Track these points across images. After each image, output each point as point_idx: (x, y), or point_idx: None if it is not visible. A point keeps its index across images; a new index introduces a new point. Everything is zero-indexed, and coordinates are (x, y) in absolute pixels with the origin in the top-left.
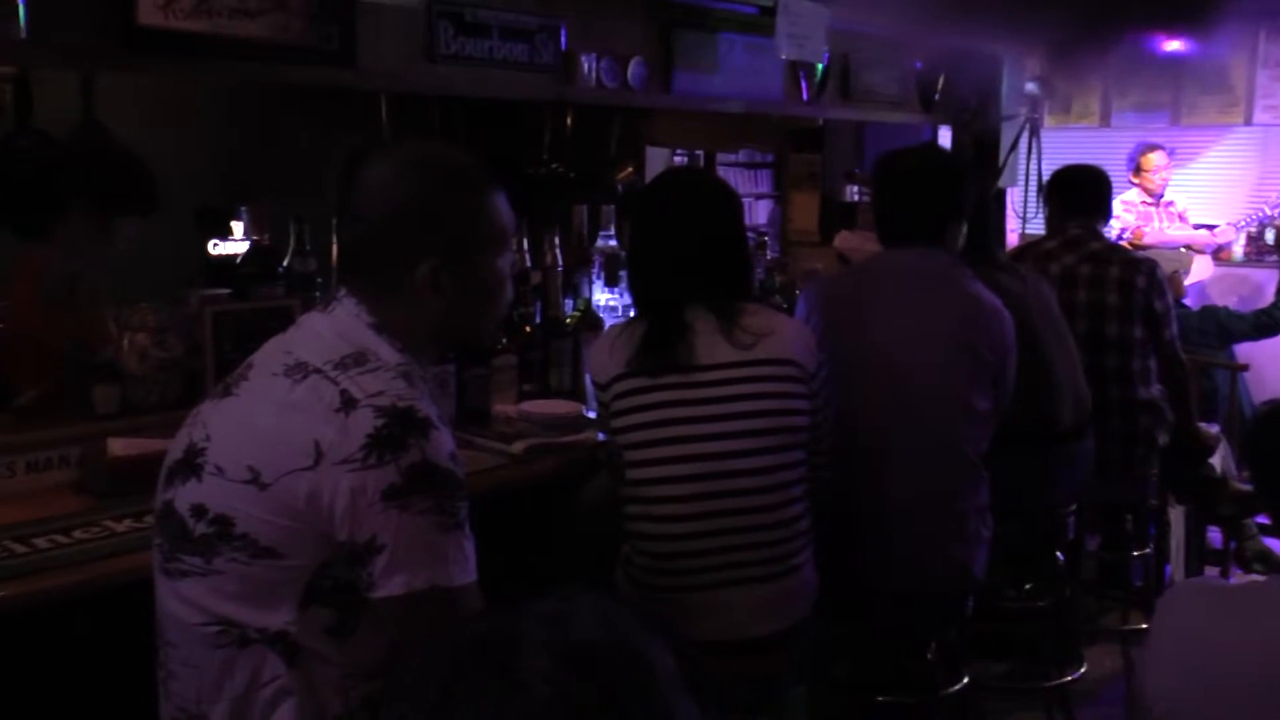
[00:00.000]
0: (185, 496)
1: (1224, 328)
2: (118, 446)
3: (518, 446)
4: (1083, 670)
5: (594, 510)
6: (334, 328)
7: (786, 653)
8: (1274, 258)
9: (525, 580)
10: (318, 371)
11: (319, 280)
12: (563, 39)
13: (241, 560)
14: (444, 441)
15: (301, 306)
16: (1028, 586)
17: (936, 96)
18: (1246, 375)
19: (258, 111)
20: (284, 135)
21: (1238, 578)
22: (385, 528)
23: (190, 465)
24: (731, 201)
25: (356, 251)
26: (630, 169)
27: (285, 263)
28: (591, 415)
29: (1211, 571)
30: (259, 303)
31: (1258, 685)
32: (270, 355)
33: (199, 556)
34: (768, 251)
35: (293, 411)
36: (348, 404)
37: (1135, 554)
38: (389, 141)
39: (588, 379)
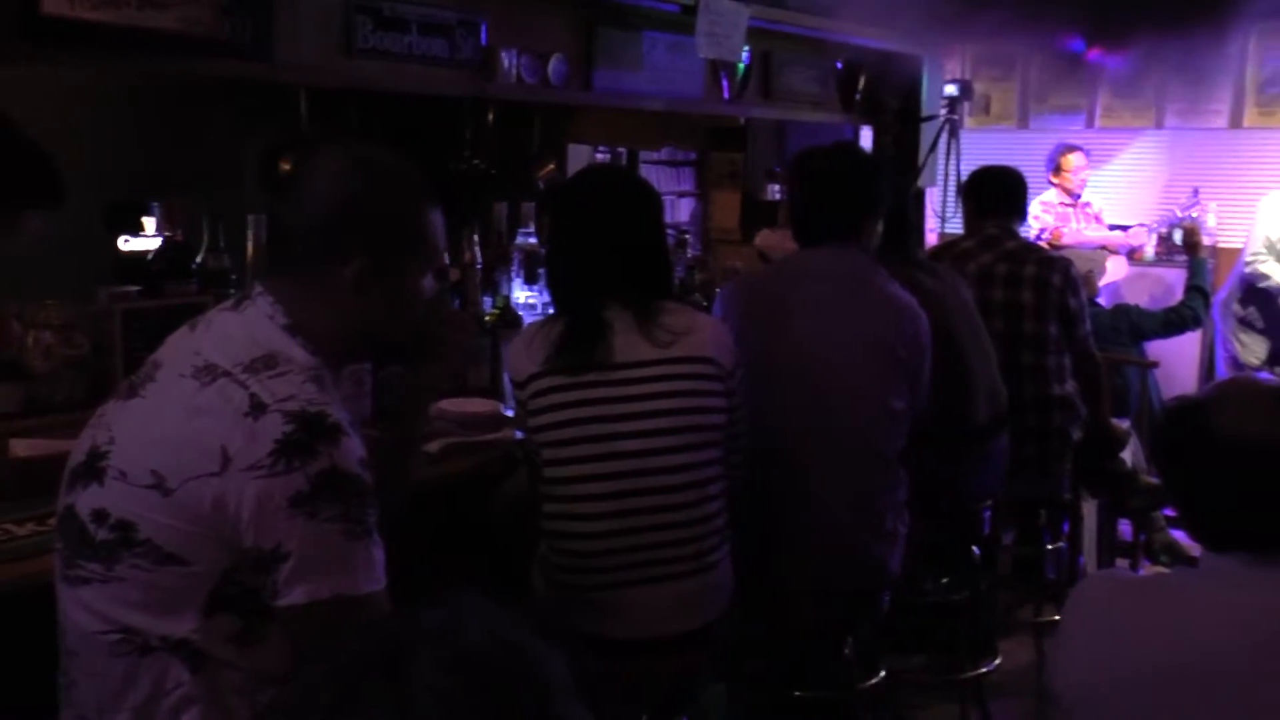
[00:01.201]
0: (86, 501)
1: (1136, 326)
2: (20, 447)
3: (434, 445)
4: (997, 662)
5: (511, 509)
6: (245, 328)
7: (704, 650)
8: (1183, 258)
9: (440, 581)
10: (227, 374)
11: (233, 277)
12: (483, 35)
13: (143, 567)
14: (353, 448)
15: (215, 304)
16: (944, 581)
17: (857, 96)
18: (1157, 372)
19: (171, 105)
20: (198, 130)
21: (1146, 569)
22: (291, 535)
23: (92, 469)
24: (651, 200)
25: (290, 240)
26: (551, 166)
27: (198, 259)
28: (509, 413)
29: (1122, 563)
30: (170, 299)
31: (1163, 676)
32: (178, 355)
33: (99, 563)
34: (688, 249)
35: (200, 415)
36: (256, 408)
37: (1049, 547)
38: (308, 137)
39: (506, 377)
